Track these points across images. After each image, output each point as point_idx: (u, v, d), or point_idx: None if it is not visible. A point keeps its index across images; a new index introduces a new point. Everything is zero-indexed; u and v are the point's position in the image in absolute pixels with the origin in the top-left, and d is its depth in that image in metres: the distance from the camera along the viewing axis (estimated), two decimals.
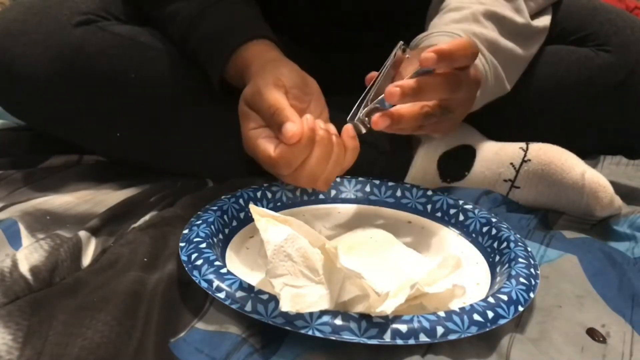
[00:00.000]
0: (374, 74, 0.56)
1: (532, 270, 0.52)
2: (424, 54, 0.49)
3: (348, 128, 0.54)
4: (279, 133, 0.53)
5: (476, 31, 0.66)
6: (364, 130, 0.54)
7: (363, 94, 0.54)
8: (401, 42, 0.57)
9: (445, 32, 0.65)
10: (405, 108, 0.52)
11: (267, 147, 0.54)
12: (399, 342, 0.43)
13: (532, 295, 0.49)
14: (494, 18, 0.69)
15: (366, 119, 0.53)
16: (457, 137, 0.74)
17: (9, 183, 0.69)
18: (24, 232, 0.57)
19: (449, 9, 0.69)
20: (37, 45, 0.67)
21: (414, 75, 0.51)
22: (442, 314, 0.44)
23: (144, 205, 0.66)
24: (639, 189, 0.77)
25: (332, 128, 0.55)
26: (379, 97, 0.52)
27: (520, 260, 0.53)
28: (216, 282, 0.47)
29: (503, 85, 0.70)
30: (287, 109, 0.53)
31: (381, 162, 0.74)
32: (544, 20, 0.76)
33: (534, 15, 0.74)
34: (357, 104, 0.54)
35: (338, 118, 0.58)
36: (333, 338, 0.42)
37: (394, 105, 0.52)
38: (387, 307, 0.42)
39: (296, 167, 0.54)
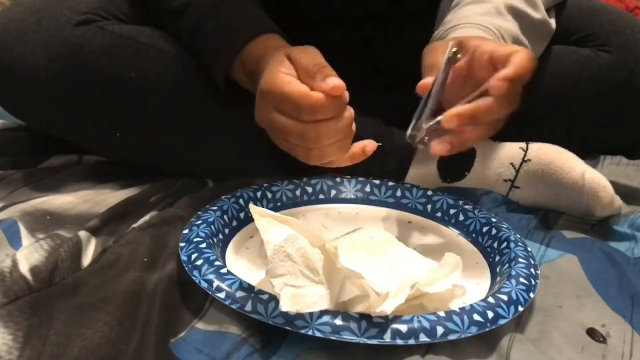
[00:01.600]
0: (426, 83, 0.55)
1: (532, 270, 0.52)
2: (494, 82, 0.49)
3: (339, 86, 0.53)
4: (321, 83, 0.51)
5: (502, 25, 0.65)
6: (421, 147, 0.54)
7: (420, 106, 0.54)
8: (452, 43, 0.56)
9: (473, 23, 0.64)
10: (465, 134, 0.53)
11: (301, 87, 0.52)
12: (399, 342, 0.43)
13: (532, 295, 0.49)
14: (514, 13, 0.68)
15: (426, 137, 0.53)
16: None
17: (9, 183, 0.69)
18: (24, 232, 0.57)
19: (467, 2, 0.69)
20: (37, 45, 0.67)
21: (474, 96, 0.51)
22: (442, 314, 0.44)
23: (144, 205, 0.66)
24: (639, 189, 0.77)
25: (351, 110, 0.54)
26: (437, 119, 0.52)
27: (520, 260, 0.53)
28: (216, 282, 0.47)
29: None
30: (332, 70, 0.53)
31: (381, 162, 0.74)
32: (552, 22, 0.76)
33: None
34: (415, 116, 0.54)
35: None
36: (333, 338, 0.42)
37: None
38: (387, 307, 0.42)
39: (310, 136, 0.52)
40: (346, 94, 0.52)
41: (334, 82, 0.51)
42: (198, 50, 0.67)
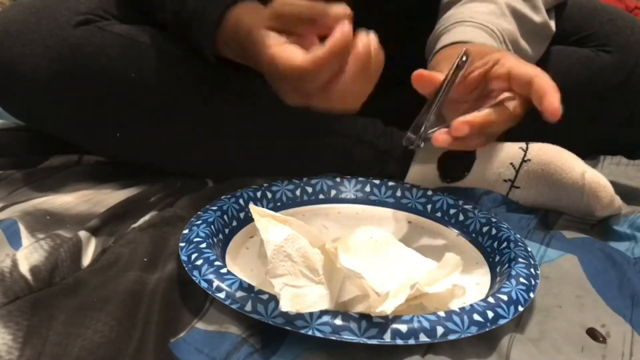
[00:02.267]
0: (424, 74, 0.55)
1: (532, 270, 0.52)
2: (515, 107, 0.51)
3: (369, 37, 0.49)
4: (324, 17, 0.48)
5: (504, 27, 0.66)
6: (422, 145, 0.53)
7: (426, 105, 0.54)
8: (464, 50, 0.56)
9: (479, 23, 0.64)
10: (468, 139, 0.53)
11: (294, 54, 0.48)
12: (399, 342, 0.43)
13: (532, 295, 0.49)
14: (515, 15, 0.68)
15: (429, 134, 0.53)
16: None
17: (9, 183, 0.69)
18: (24, 232, 0.57)
19: (469, 0, 0.69)
20: (37, 45, 0.67)
21: (486, 106, 0.52)
22: (442, 314, 0.44)
23: (144, 205, 0.66)
24: (639, 189, 0.77)
25: (373, 39, 0.49)
26: (443, 125, 0.52)
27: (520, 260, 0.53)
28: (216, 282, 0.47)
29: None
30: (323, 3, 0.49)
31: (381, 162, 0.74)
32: (551, 25, 0.76)
33: None
34: (417, 118, 0.53)
35: None
36: (333, 338, 0.42)
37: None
38: (387, 307, 0.42)
39: (328, 81, 0.48)
40: (348, 29, 0.47)
41: (337, 9, 0.47)
42: (184, 33, 0.65)
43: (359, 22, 0.80)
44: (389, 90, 0.65)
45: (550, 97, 0.50)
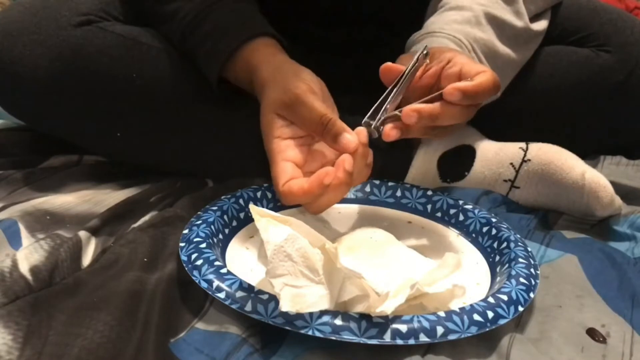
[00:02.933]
0: (391, 66, 0.56)
1: (532, 270, 0.52)
2: (449, 89, 0.51)
3: (361, 131, 0.54)
4: (332, 143, 0.53)
5: (477, 36, 0.66)
6: (376, 136, 0.54)
7: (382, 97, 0.55)
8: (425, 46, 0.57)
9: (447, 34, 0.65)
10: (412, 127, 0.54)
11: (282, 175, 0.54)
12: (399, 342, 0.43)
13: (532, 295, 0.49)
14: (494, 22, 0.69)
15: (381, 127, 0.54)
16: (457, 137, 0.74)
17: (9, 183, 0.69)
18: (24, 232, 0.57)
19: (450, 7, 0.69)
20: (37, 45, 0.67)
21: (431, 97, 0.53)
22: (442, 314, 0.44)
23: (144, 205, 0.66)
24: (639, 189, 0.77)
25: (362, 136, 0.54)
26: (396, 111, 0.54)
27: (520, 260, 0.53)
28: (216, 282, 0.47)
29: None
30: (339, 120, 0.54)
31: (381, 162, 0.74)
32: (542, 24, 0.76)
33: (532, 18, 0.74)
34: (375, 106, 0.55)
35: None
36: (333, 338, 0.42)
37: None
38: (387, 307, 0.42)
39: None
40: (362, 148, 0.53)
41: (349, 142, 0.52)
42: (190, 52, 0.67)
43: (355, 24, 0.81)
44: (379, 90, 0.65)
45: (465, 84, 0.52)
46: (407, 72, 0.56)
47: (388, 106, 0.54)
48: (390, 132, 0.53)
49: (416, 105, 0.52)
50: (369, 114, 0.55)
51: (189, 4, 0.66)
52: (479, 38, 0.66)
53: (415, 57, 0.56)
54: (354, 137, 0.52)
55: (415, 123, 0.52)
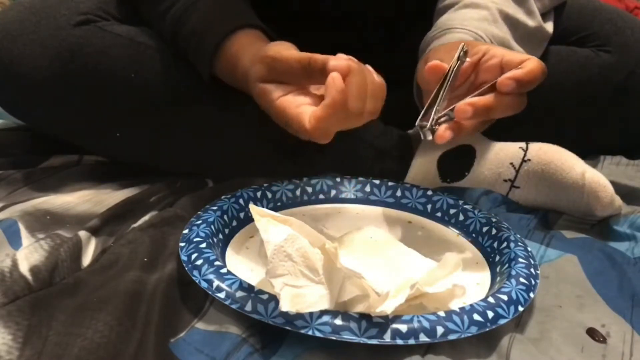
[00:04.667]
0: (438, 65, 0.56)
1: (532, 270, 0.52)
2: (503, 79, 0.51)
3: (340, 56, 0.50)
4: (322, 77, 0.49)
5: (494, 33, 0.66)
6: (430, 137, 0.54)
7: (431, 97, 0.55)
8: (463, 44, 0.57)
9: (467, 30, 0.65)
10: (468, 121, 0.54)
11: (302, 119, 0.49)
12: (399, 342, 0.43)
13: (532, 295, 0.49)
14: (509, 21, 0.69)
15: (436, 126, 0.54)
16: None
17: (9, 183, 0.69)
18: (24, 232, 0.57)
19: (464, 5, 0.69)
20: (37, 45, 0.67)
21: (482, 91, 0.53)
22: (442, 314, 0.44)
23: (144, 205, 0.66)
24: (639, 189, 0.77)
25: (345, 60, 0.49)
26: (448, 109, 0.53)
27: (520, 260, 0.53)
28: (216, 282, 0.47)
29: None
30: (319, 55, 0.50)
31: (381, 162, 0.74)
32: (549, 26, 0.76)
33: None
34: (425, 107, 0.55)
35: None
36: (333, 338, 0.42)
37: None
38: (387, 307, 0.42)
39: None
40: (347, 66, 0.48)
41: (335, 65, 0.48)
42: (181, 51, 0.67)
43: (358, 25, 0.81)
44: (388, 90, 0.65)
45: (518, 72, 0.51)
46: (451, 70, 0.55)
47: (438, 107, 0.54)
48: (444, 134, 0.53)
49: (470, 100, 0.52)
50: (420, 115, 0.54)
51: (178, 3, 0.65)
52: (496, 35, 0.66)
53: (457, 54, 0.56)
54: (340, 58, 0.49)
55: (470, 117, 0.51)
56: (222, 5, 0.65)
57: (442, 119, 0.54)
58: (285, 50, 0.53)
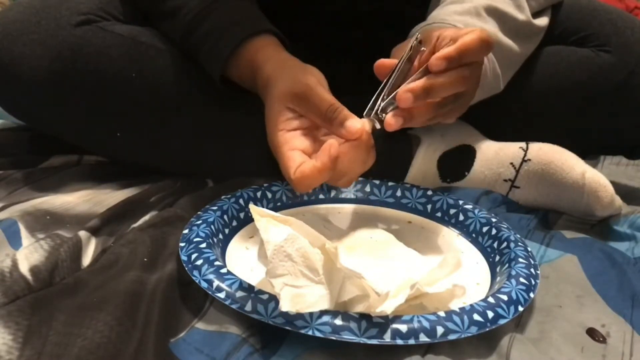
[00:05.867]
0: (384, 61, 0.56)
1: (532, 270, 0.52)
2: (432, 60, 0.51)
3: (364, 122, 0.53)
4: (338, 129, 0.53)
5: (477, 26, 0.66)
6: (378, 126, 0.54)
7: (379, 88, 0.54)
8: (417, 35, 0.57)
9: (447, 23, 0.65)
10: (419, 107, 0.53)
11: (291, 164, 0.53)
12: (399, 342, 0.43)
13: (532, 295, 0.49)
14: (496, 14, 0.69)
15: (382, 114, 0.53)
16: (457, 137, 0.74)
17: (9, 183, 0.69)
18: (24, 232, 0.57)
19: (451, 1, 0.69)
20: (37, 45, 0.67)
21: (421, 73, 0.52)
22: (442, 314, 0.44)
23: (144, 205, 0.66)
24: (639, 189, 0.77)
25: (367, 125, 0.54)
26: (392, 95, 0.53)
27: (520, 260, 0.53)
28: (216, 282, 0.47)
29: (498, 83, 0.70)
30: (345, 109, 0.54)
31: (381, 162, 0.74)
32: (543, 20, 0.76)
33: (534, 15, 0.74)
34: (373, 98, 0.54)
35: None
36: (333, 338, 0.42)
37: None
38: (387, 307, 0.42)
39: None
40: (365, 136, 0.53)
41: (353, 126, 0.52)
42: (192, 50, 0.67)
43: (353, 22, 0.81)
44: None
45: (447, 50, 0.51)
46: (400, 62, 0.55)
47: (384, 96, 0.54)
48: (390, 120, 0.52)
49: (408, 85, 0.51)
50: (367, 108, 0.54)
51: (191, 2, 0.66)
52: (479, 28, 0.66)
53: (409, 45, 0.56)
54: (360, 122, 0.52)
55: (412, 102, 0.51)
56: (239, 9, 0.66)
57: (389, 108, 0.53)
58: (320, 86, 0.55)
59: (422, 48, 0.57)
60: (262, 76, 0.60)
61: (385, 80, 0.55)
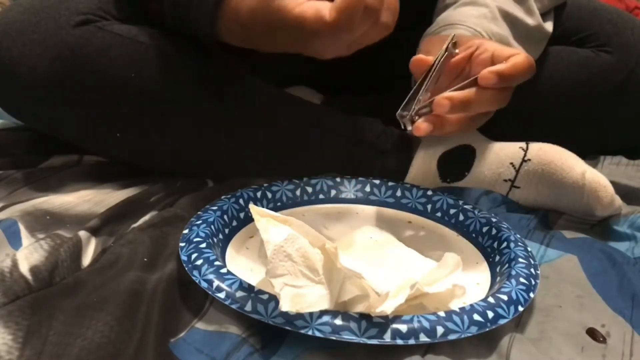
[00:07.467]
0: (422, 58, 0.55)
1: (532, 270, 0.52)
2: (485, 73, 0.50)
3: None
4: None
5: (494, 31, 0.66)
6: (409, 127, 0.53)
7: (414, 88, 0.54)
8: (453, 35, 0.56)
9: (467, 26, 0.65)
10: (450, 115, 0.52)
11: (322, 11, 0.48)
12: (399, 342, 0.43)
13: (532, 295, 0.49)
14: (508, 19, 0.69)
15: (416, 117, 0.53)
16: (457, 137, 0.74)
17: (9, 183, 0.69)
18: (24, 232, 0.57)
19: (463, 3, 0.69)
20: (36, 45, 0.67)
21: (465, 84, 0.52)
22: (442, 314, 0.44)
23: (144, 205, 0.66)
24: (639, 189, 0.77)
25: None
26: (428, 101, 0.52)
27: (520, 260, 0.53)
28: (216, 282, 0.47)
29: None
30: None
31: (381, 162, 0.74)
32: (549, 25, 0.76)
33: None
34: (408, 97, 0.53)
35: None
36: (333, 338, 0.42)
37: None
38: (387, 307, 0.42)
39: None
40: None
41: None
42: (182, 19, 0.64)
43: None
44: (389, 90, 0.65)
45: (500, 67, 0.50)
46: (437, 61, 0.54)
47: (420, 97, 0.53)
48: (420, 126, 0.52)
49: (448, 93, 0.51)
50: (402, 105, 0.53)
51: None
52: (495, 33, 0.66)
53: (445, 45, 0.55)
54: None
55: (448, 111, 0.50)
56: None
57: (423, 111, 0.53)
58: None
59: (456, 51, 0.56)
60: (245, 9, 0.55)
61: (420, 80, 0.54)
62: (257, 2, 0.54)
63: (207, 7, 0.59)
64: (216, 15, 0.59)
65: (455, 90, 0.52)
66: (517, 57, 0.52)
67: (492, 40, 0.64)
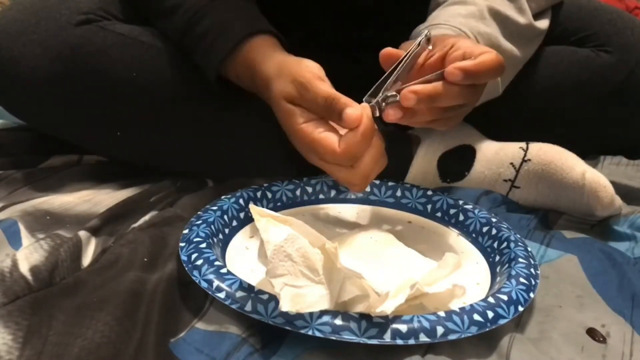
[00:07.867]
0: (391, 51, 0.56)
1: (532, 270, 0.52)
2: (450, 68, 0.50)
3: (364, 107, 0.52)
4: (338, 120, 0.51)
5: (481, 30, 0.66)
6: (377, 114, 0.53)
7: (382, 77, 0.54)
8: (427, 31, 0.56)
9: (451, 26, 0.65)
10: (421, 108, 0.52)
11: (331, 141, 0.51)
12: (399, 342, 0.43)
13: (532, 295, 0.49)
14: (498, 17, 0.69)
15: (383, 104, 0.53)
16: (457, 137, 0.74)
17: (9, 183, 0.69)
18: (24, 232, 0.57)
19: (453, 2, 0.69)
20: (37, 45, 0.67)
21: (432, 77, 0.52)
22: (442, 314, 0.44)
23: (144, 205, 0.66)
24: (639, 189, 0.77)
25: (367, 110, 0.52)
26: (397, 90, 0.52)
27: (520, 260, 0.53)
28: (216, 282, 0.47)
29: (497, 87, 0.70)
30: (343, 97, 0.52)
31: None
32: (544, 23, 0.76)
33: (534, 16, 0.74)
34: (375, 85, 0.54)
35: None
36: (333, 338, 0.42)
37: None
38: (387, 307, 0.42)
39: (353, 165, 0.52)
40: (368, 121, 0.51)
41: (350, 114, 0.50)
42: (188, 49, 0.66)
43: (353, 22, 0.81)
44: None
45: (466, 63, 0.51)
46: (408, 55, 0.55)
47: (388, 86, 0.53)
48: (389, 111, 0.52)
49: (414, 87, 0.51)
50: (369, 92, 0.54)
51: (190, 0, 0.65)
52: (483, 32, 0.66)
53: (417, 41, 0.55)
54: (357, 110, 0.51)
55: (413, 105, 0.50)
56: (237, 8, 0.66)
57: (391, 100, 0.53)
58: (316, 79, 0.54)
59: (429, 47, 0.57)
60: (261, 77, 0.59)
61: (389, 71, 0.54)
62: (263, 81, 0.59)
63: (217, 57, 0.63)
64: (224, 65, 0.63)
65: (422, 82, 0.52)
66: (486, 55, 0.52)
67: (477, 39, 0.65)
